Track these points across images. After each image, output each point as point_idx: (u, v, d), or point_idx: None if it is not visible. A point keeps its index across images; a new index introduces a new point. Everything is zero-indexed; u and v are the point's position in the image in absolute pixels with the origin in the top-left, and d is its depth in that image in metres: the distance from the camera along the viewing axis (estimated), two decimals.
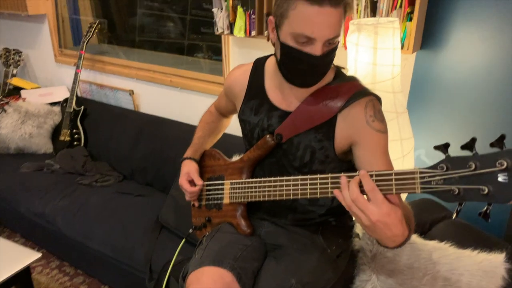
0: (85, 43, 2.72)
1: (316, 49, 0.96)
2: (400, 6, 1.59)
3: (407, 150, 1.65)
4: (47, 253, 2.38)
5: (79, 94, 3.01)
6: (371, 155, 1.06)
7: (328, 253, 1.21)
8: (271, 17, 1.04)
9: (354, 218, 1.39)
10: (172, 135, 2.39)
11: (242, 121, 1.24)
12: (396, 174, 0.85)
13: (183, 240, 1.52)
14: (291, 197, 1.06)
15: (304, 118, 1.10)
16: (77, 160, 2.55)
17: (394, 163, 1.15)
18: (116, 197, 2.22)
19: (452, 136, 1.75)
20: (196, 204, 1.39)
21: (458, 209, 0.79)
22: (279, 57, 1.04)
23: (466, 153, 0.77)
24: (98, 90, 2.97)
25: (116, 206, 2.13)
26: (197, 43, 2.95)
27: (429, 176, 0.80)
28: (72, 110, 2.73)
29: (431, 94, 1.77)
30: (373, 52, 1.53)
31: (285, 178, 1.07)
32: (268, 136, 1.15)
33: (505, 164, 0.70)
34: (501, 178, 0.71)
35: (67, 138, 2.71)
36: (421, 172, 0.82)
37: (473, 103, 1.67)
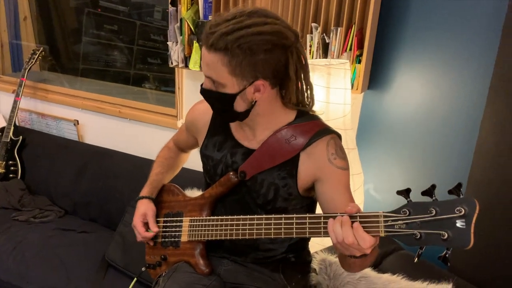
0: (27, 70, 2.60)
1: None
2: (350, 49, 1.70)
3: (357, 185, 1.72)
4: None
5: (17, 123, 2.84)
6: (334, 191, 1.09)
7: None
8: None
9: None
10: (119, 168, 2.32)
11: (204, 156, 1.23)
12: (361, 216, 0.88)
13: (134, 279, 1.45)
14: (254, 236, 1.06)
15: (267, 156, 1.11)
16: (12, 194, 2.39)
17: None
18: (57, 234, 2.11)
19: (399, 171, 1.86)
20: (151, 242, 1.34)
21: (420, 252, 0.83)
22: None
23: (427, 198, 0.82)
24: (39, 120, 2.84)
25: (57, 244, 2.02)
26: (144, 73, 2.93)
27: (392, 220, 0.84)
28: (8, 140, 2.56)
29: (378, 131, 1.88)
30: (326, 91, 1.61)
31: (249, 216, 1.07)
32: (231, 173, 1.15)
33: (463, 211, 0.76)
34: (459, 224, 0.77)
35: (2, 170, 2.53)
36: (385, 216, 0.85)
37: (416, 140, 1.79)
